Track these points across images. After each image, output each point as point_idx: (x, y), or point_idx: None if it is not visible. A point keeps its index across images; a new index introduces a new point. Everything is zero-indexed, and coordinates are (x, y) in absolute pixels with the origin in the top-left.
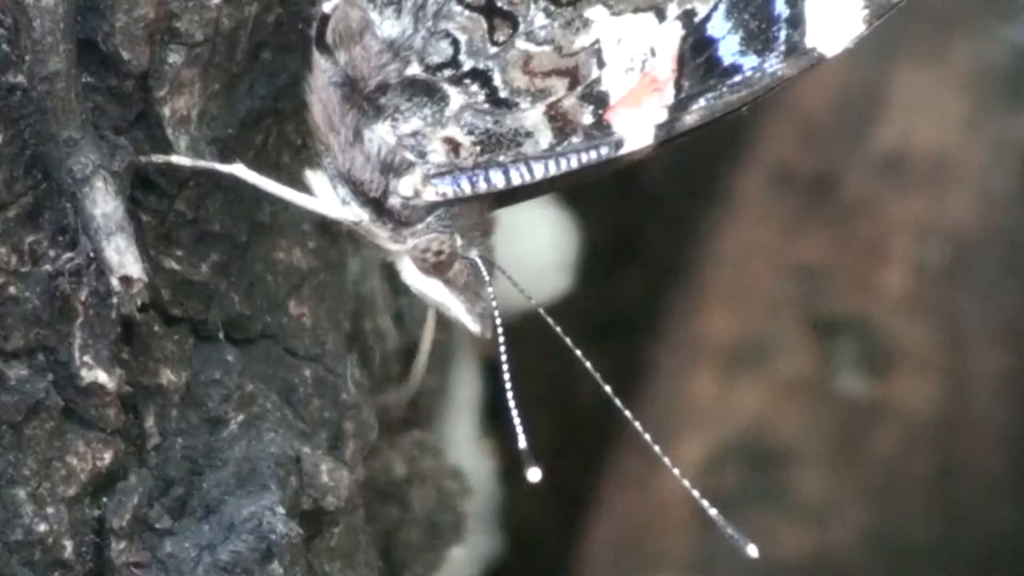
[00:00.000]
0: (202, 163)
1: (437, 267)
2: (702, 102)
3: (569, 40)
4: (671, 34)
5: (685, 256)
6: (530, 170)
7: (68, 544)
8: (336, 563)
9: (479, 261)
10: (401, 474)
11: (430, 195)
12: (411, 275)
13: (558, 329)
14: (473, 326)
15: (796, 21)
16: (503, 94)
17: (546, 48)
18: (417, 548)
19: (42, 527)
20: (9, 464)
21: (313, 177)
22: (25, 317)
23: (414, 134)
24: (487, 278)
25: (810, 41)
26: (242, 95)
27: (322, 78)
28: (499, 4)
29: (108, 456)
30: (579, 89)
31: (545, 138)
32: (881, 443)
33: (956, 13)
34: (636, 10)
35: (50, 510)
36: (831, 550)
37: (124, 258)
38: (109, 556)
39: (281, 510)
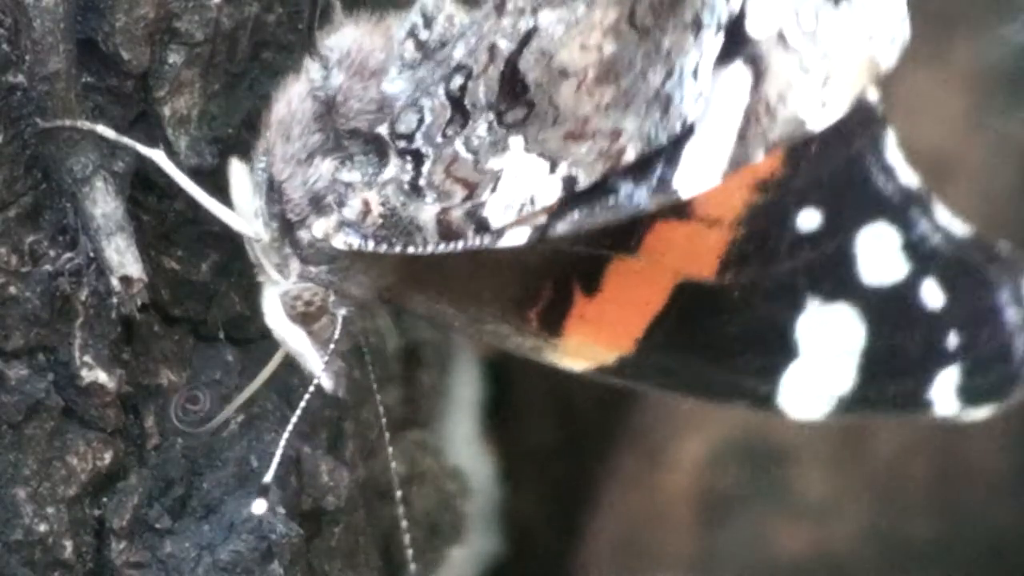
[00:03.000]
0: (125, 139)
1: (303, 316)
2: (576, 215)
3: (487, 158)
4: (552, 190)
5: None
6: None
7: (68, 544)
8: (336, 563)
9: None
10: (401, 474)
11: (339, 242)
12: (274, 316)
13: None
14: (327, 383)
15: (673, 160)
16: (422, 182)
17: (470, 157)
18: (417, 548)
19: (42, 527)
20: (9, 464)
21: (238, 169)
22: (25, 317)
23: (347, 184)
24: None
25: (676, 183)
26: (242, 95)
27: (306, 87)
28: (466, 102)
29: (108, 456)
30: (468, 204)
31: (431, 239)
32: (881, 443)
33: (956, 13)
34: (540, 155)
35: (50, 510)
36: (832, 549)
37: (124, 258)
38: (109, 556)
39: (281, 510)
